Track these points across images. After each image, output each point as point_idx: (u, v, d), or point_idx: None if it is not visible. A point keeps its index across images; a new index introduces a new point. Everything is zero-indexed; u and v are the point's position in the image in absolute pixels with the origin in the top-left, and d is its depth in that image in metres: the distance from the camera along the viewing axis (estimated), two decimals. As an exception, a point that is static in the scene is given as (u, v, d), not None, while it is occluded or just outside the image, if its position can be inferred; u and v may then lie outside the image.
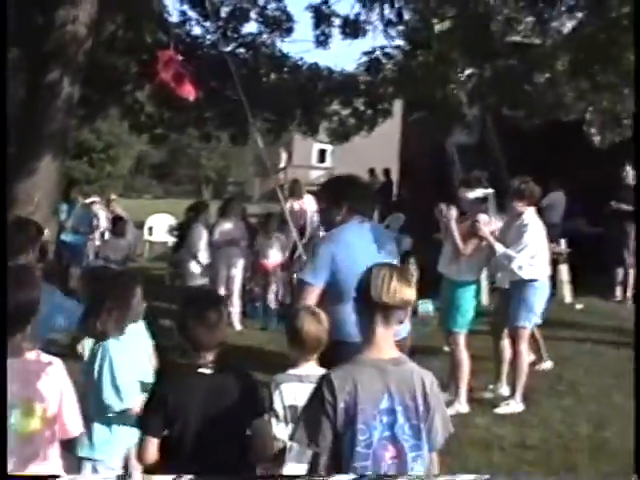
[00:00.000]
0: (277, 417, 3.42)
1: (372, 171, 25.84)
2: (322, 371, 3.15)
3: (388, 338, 2.80)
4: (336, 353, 3.24)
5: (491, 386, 6.83)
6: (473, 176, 6.78)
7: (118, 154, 37.21)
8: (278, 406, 3.43)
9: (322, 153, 43.10)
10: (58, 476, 3.07)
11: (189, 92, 9.01)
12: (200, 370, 3.18)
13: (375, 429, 2.68)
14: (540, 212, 6.89)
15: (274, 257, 10.36)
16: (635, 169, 5.92)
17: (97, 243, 13.85)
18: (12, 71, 8.49)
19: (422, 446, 2.74)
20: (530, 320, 6.55)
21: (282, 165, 39.69)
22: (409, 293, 2.77)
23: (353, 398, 2.66)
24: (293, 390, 3.44)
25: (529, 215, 6.47)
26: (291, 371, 3.54)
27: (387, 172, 25.15)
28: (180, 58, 10.10)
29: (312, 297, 4.04)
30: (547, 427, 6.07)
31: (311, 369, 3.51)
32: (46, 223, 7.31)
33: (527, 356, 6.60)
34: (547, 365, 7.58)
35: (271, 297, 10.33)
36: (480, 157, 21.20)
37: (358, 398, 2.67)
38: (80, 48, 6.92)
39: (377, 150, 35.90)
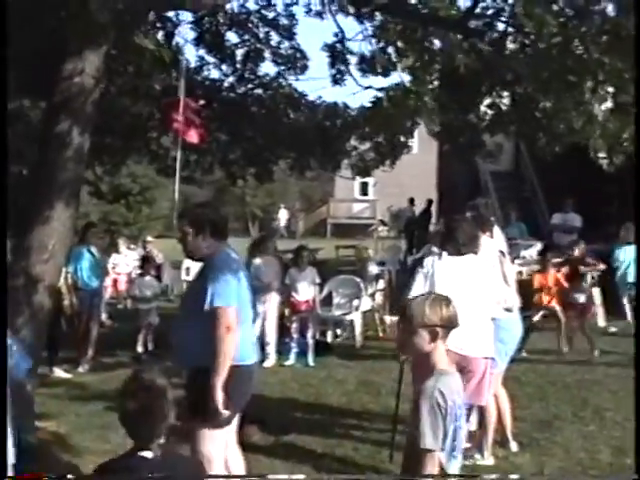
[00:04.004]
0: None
1: (412, 200, 26.04)
2: None
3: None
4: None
5: None
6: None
7: (154, 196, 37.51)
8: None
9: (364, 186, 43.21)
10: (60, 476, 3.11)
11: (192, 137, 9.29)
12: (140, 454, 3.01)
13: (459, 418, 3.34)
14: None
15: (304, 292, 10.34)
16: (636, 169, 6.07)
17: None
18: (24, 124, 8.75)
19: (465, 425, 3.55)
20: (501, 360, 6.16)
21: (281, 225, 40.59)
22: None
23: (453, 400, 3.26)
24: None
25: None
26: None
27: (429, 202, 25.31)
28: (200, 103, 10.35)
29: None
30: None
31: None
32: (60, 270, 7.50)
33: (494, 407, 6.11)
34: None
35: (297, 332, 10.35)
36: (514, 183, 21.10)
37: (454, 399, 3.29)
38: (88, 99, 6.99)
39: (418, 180, 35.87)
